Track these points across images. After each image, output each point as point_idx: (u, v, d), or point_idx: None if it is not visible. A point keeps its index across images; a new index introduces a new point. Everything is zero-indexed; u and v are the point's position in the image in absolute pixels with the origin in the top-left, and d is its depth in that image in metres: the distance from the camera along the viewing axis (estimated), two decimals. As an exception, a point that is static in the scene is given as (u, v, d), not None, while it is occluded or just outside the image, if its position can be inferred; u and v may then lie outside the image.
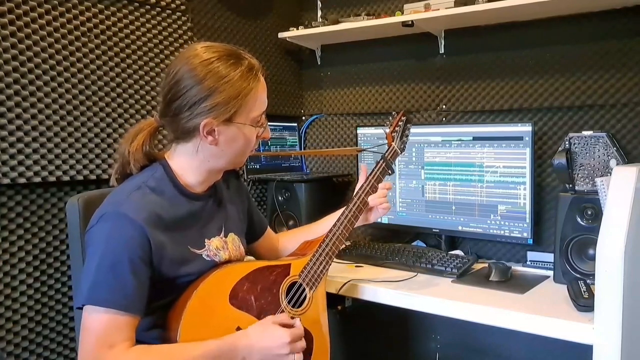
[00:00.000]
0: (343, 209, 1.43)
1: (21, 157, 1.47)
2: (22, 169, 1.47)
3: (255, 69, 1.14)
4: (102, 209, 1.08)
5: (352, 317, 1.79)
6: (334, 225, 1.38)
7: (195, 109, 1.09)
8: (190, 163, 1.17)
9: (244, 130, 1.15)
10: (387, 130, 1.55)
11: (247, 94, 1.12)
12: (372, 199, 1.45)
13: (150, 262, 1.07)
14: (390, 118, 1.58)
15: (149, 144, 1.17)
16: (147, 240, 1.05)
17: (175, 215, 1.13)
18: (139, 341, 1.06)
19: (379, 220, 2.05)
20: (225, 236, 1.25)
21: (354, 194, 1.45)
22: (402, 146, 1.56)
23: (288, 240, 1.54)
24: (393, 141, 1.54)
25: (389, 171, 1.50)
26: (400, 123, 1.56)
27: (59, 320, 1.60)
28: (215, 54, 1.11)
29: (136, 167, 1.16)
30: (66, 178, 1.57)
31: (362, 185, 1.45)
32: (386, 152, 1.51)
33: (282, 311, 1.22)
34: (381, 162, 1.49)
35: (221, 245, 1.22)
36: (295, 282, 1.28)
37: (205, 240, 1.19)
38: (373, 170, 1.48)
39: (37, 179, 1.50)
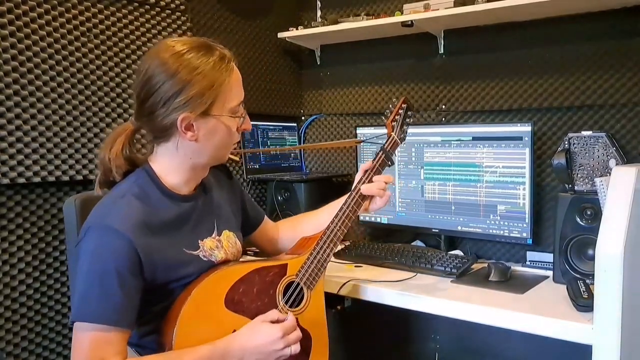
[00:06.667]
0: (342, 202, 1.38)
1: (20, 157, 1.47)
2: (21, 169, 1.47)
3: (227, 58, 1.12)
4: (87, 223, 1.06)
5: (351, 317, 1.79)
6: (332, 222, 1.34)
7: (170, 104, 1.06)
8: (172, 163, 1.14)
9: (223, 122, 1.12)
10: (387, 120, 1.47)
11: (222, 83, 1.09)
12: (366, 188, 1.37)
13: (140, 272, 1.04)
14: (391, 106, 1.50)
15: (128, 149, 1.15)
16: (134, 250, 1.03)
17: (163, 219, 1.11)
18: (138, 346, 1.06)
19: (378, 220, 2.08)
20: (219, 235, 1.23)
21: (352, 188, 1.40)
22: (402, 136, 1.47)
23: (288, 229, 1.50)
24: (393, 131, 1.46)
25: (389, 163, 1.43)
26: (400, 111, 1.48)
27: (58, 320, 1.60)
28: (185, 46, 1.09)
29: (119, 173, 1.14)
30: (65, 178, 1.57)
31: (360, 179, 1.40)
32: (385, 142, 1.45)
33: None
34: (380, 153, 1.42)
35: (215, 245, 1.20)
36: (293, 282, 1.26)
37: (199, 241, 1.18)
38: (372, 162, 1.41)
39: (37, 179, 1.50)
